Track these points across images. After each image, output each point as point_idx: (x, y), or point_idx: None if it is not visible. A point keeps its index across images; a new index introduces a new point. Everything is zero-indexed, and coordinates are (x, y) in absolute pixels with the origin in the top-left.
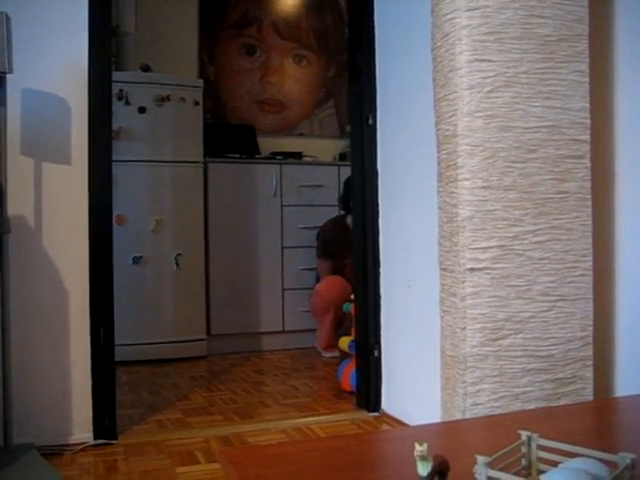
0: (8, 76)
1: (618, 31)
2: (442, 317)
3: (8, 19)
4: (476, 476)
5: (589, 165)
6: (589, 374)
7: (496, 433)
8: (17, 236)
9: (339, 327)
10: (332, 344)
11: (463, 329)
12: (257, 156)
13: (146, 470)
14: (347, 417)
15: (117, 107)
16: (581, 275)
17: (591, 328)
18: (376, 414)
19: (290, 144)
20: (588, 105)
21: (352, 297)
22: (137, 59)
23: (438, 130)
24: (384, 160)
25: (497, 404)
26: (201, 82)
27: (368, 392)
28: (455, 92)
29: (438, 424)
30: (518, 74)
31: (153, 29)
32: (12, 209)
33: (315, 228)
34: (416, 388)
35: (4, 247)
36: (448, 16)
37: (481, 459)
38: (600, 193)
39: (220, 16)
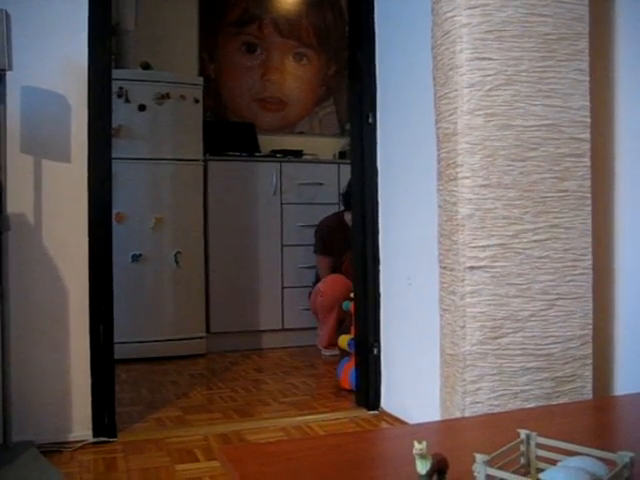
0: (8, 73)
1: (619, 30)
2: (442, 315)
3: (8, 16)
4: (475, 474)
5: (589, 164)
6: (588, 373)
7: (495, 431)
8: (17, 234)
9: (340, 326)
10: (334, 342)
11: (462, 327)
12: (257, 154)
13: (145, 468)
14: (346, 415)
15: (117, 105)
16: (581, 274)
17: (590, 327)
18: (375, 412)
19: (290, 142)
20: (588, 104)
21: (352, 295)
22: (137, 57)
23: (438, 128)
24: (384, 158)
25: (496, 402)
26: (201, 80)
27: (367, 390)
28: (455, 90)
29: (437, 422)
30: (518, 72)
31: (153, 27)
32: (12, 207)
33: (315, 226)
34: (415, 386)
35: (4, 245)
36: (448, 14)
37: (480, 457)
38: (600, 192)
39: (220, 14)
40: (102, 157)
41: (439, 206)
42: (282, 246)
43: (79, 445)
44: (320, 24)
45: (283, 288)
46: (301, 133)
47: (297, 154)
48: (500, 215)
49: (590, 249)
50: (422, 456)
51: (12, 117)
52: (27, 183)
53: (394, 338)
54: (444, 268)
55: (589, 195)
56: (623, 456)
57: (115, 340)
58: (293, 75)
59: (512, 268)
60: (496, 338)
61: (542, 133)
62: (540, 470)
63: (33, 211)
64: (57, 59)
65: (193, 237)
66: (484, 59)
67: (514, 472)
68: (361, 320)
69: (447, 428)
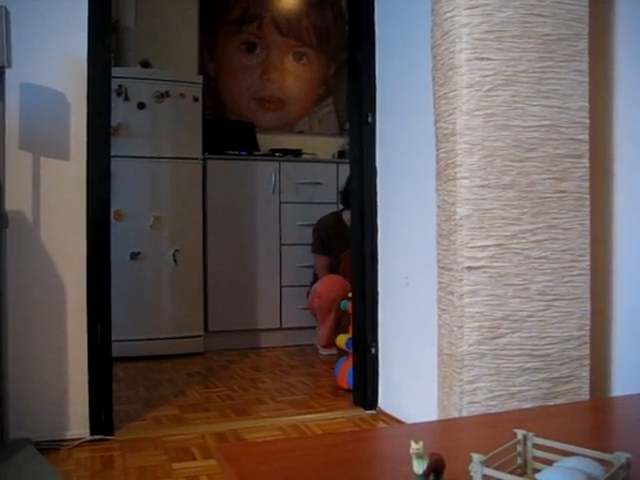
0: (7, 70)
1: (618, 31)
2: (439, 315)
3: (7, 13)
4: (471, 474)
5: (587, 164)
6: (585, 373)
7: (492, 431)
8: (15, 231)
9: (338, 325)
10: (332, 342)
11: (460, 327)
12: (256, 153)
13: (142, 466)
14: (343, 415)
15: (116, 103)
16: (579, 274)
17: (588, 327)
18: (372, 412)
19: (289, 141)
20: (587, 104)
21: (349, 294)
22: (137, 55)
23: (437, 128)
24: (383, 158)
25: (493, 403)
26: (200, 78)
27: (365, 390)
28: (454, 90)
29: (434, 422)
30: (517, 73)
31: (153, 25)
32: (10, 204)
33: (313, 225)
34: (413, 386)
35: (2, 242)
36: (448, 14)
37: (477, 457)
38: (598, 193)
39: (220, 13)
40: (101, 155)
41: (438, 206)
42: (280, 245)
43: (76, 443)
44: (320, 24)
45: (281, 287)
46: (300, 132)
47: (296, 153)
48: (498, 215)
49: (588, 250)
50: (419, 456)
51: (11, 114)
52: (26, 180)
53: (392, 338)
54: (442, 268)
55: (588, 196)
56: (619, 457)
57: (113, 338)
58: (293, 74)
59: (510, 268)
60: (494, 338)
61: (541, 134)
62: (537, 470)
63: (31, 208)
64: (57, 56)
65: (192, 235)
66: (483, 59)
67: (511, 472)
68: (359, 319)
69: (444, 428)
